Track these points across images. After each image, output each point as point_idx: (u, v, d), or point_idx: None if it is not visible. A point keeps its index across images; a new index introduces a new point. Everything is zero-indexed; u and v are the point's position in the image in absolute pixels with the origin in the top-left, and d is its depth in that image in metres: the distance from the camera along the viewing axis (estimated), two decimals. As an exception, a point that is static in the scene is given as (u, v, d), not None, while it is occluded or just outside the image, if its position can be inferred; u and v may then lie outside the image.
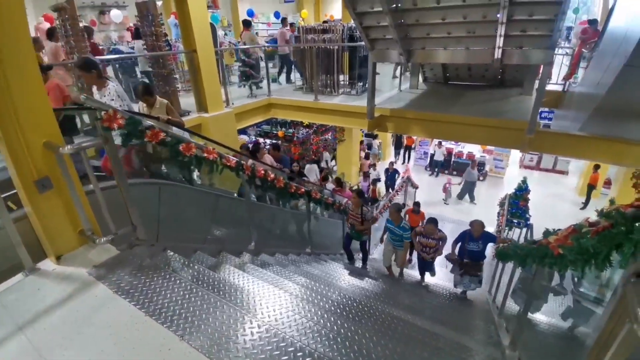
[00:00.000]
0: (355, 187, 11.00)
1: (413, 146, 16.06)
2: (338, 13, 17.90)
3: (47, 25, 9.05)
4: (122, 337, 1.70)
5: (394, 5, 4.87)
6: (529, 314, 2.76)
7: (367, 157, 14.19)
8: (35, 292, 2.02)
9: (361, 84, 7.89)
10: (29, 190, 2.07)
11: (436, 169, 14.68)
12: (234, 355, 1.60)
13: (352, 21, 5.69)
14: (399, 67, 8.29)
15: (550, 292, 3.34)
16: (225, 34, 13.91)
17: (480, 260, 4.83)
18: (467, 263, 4.80)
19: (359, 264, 5.74)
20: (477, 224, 4.66)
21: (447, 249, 5.26)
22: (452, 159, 14.60)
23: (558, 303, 4.66)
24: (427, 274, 5.79)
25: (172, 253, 2.58)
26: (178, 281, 2.08)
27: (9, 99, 1.91)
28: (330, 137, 13.86)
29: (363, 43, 6.41)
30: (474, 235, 4.66)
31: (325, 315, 2.25)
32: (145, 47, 6.01)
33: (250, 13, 15.95)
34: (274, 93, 8.06)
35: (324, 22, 10.71)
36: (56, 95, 4.32)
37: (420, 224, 6.60)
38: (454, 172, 14.47)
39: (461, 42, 5.23)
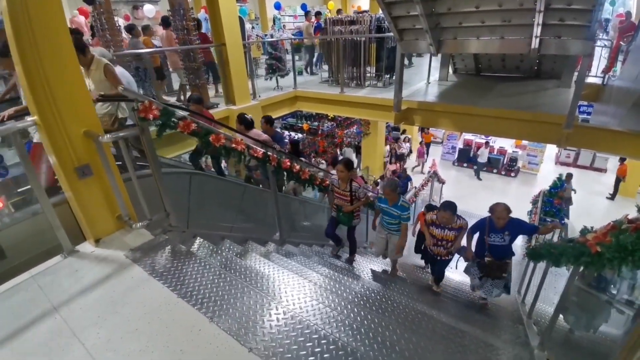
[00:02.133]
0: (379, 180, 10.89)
1: (438, 142, 15.66)
2: (365, 4, 17.59)
3: (82, 18, 9.45)
4: (156, 317, 1.79)
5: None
6: (590, 331, 2.63)
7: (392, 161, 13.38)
8: (73, 273, 2.16)
9: (388, 76, 7.75)
10: (70, 177, 2.21)
11: (479, 172, 13.60)
12: (260, 338, 1.65)
13: (380, 12, 5.58)
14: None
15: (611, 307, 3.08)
16: (253, 27, 14.03)
17: (506, 258, 3.73)
18: (488, 262, 3.73)
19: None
20: (500, 208, 3.50)
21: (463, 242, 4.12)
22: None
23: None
24: (451, 274, 4.69)
25: (201, 240, 2.68)
26: (208, 266, 2.16)
27: (47, 90, 2.03)
28: (355, 131, 13.76)
29: (391, 34, 6.28)
30: (497, 224, 3.55)
31: (349, 306, 2.27)
32: (176, 40, 6.19)
33: (278, 6, 16.00)
34: (300, 86, 8.09)
35: (359, 12, 10.55)
36: None
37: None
38: (484, 169, 14.00)
39: (495, 32, 5.01)
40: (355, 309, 2.25)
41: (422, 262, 5.45)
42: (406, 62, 10.58)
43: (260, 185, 4.98)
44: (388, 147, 14.04)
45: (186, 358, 1.58)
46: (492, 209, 3.60)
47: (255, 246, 3.46)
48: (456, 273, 5.13)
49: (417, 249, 5.60)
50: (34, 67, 1.97)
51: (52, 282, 2.09)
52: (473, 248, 3.86)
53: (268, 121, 5.15)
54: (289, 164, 3.60)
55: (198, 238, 2.69)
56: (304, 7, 16.29)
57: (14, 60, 2.02)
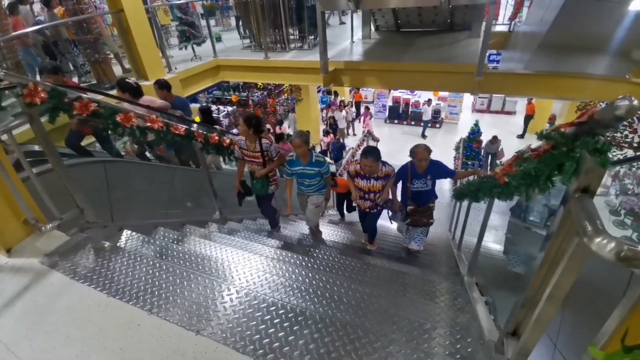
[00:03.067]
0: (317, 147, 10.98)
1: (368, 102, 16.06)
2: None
3: None
4: (86, 320, 1.64)
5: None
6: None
7: (326, 133, 12.07)
8: None
9: (312, 37, 7.57)
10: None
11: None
12: (215, 323, 1.61)
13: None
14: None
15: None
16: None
17: (429, 202, 3.58)
18: (413, 210, 3.53)
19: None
20: (421, 149, 3.31)
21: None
22: (410, 109, 14.87)
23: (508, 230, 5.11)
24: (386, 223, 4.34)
25: (129, 232, 2.46)
26: (139, 258, 2.01)
27: None
28: (287, 98, 13.48)
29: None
30: (419, 168, 3.38)
31: (297, 271, 2.31)
32: (66, 12, 5.26)
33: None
34: (220, 53, 7.53)
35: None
36: None
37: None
38: (412, 123, 14.83)
39: (409, -15, 5.10)
40: (303, 272, 2.30)
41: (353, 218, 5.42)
42: (339, 20, 10.40)
43: (170, 163, 4.47)
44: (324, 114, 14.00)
45: (129, 355, 1.48)
46: (413, 151, 3.36)
47: (194, 229, 3.30)
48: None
49: (338, 206, 5.62)
50: None
51: None
52: (399, 198, 3.68)
53: (163, 86, 4.42)
54: (194, 132, 3.13)
55: (125, 230, 2.46)
56: None
57: None
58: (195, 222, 3.50)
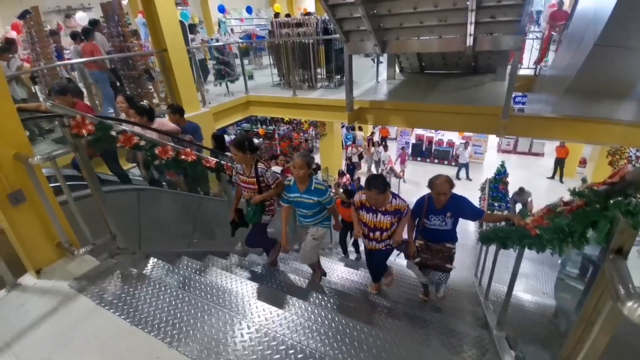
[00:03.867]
0: (341, 186, 11.04)
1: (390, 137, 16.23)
2: (311, 6, 17.76)
3: (14, 34, 8.53)
4: (109, 348, 1.65)
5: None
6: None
7: (341, 174, 11.28)
8: (19, 307, 1.95)
9: (339, 76, 7.88)
10: (3, 205, 1.98)
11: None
12: (224, 358, 1.59)
13: (326, 14, 5.66)
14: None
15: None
16: (199, 31, 13.58)
17: (446, 241, 3.03)
18: (423, 246, 3.05)
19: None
20: (441, 181, 2.80)
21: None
22: (433, 147, 14.86)
23: (543, 281, 4.83)
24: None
25: (155, 260, 2.52)
26: (163, 288, 2.03)
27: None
28: (312, 133, 13.84)
29: (338, 35, 6.39)
30: (437, 203, 2.88)
31: (316, 311, 2.26)
32: (112, 48, 5.79)
33: (221, 9, 15.61)
34: (251, 90, 7.95)
35: (305, 14, 10.56)
36: None
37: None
38: (435, 160, 14.76)
39: (434, 31, 5.29)
40: (323, 313, 2.25)
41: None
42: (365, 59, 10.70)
43: (178, 189, 4.33)
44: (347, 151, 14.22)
45: (145, 390, 1.47)
46: (432, 182, 2.86)
47: (215, 260, 3.34)
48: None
49: (341, 240, 5.14)
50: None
51: (0, 317, 1.86)
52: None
53: (176, 111, 4.38)
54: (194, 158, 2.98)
55: (152, 258, 2.52)
56: (249, 9, 16.07)
57: None
58: (217, 252, 3.54)
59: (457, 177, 13.44)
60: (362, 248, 5.20)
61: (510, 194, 10.11)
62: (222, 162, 3.47)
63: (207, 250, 3.49)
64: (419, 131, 15.11)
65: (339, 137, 13.26)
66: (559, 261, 4.14)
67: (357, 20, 5.30)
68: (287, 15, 10.11)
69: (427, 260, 3.07)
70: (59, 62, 5.67)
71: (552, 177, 12.76)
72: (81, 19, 9.62)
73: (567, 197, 1.38)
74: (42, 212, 2.14)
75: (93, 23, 6.17)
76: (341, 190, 6.31)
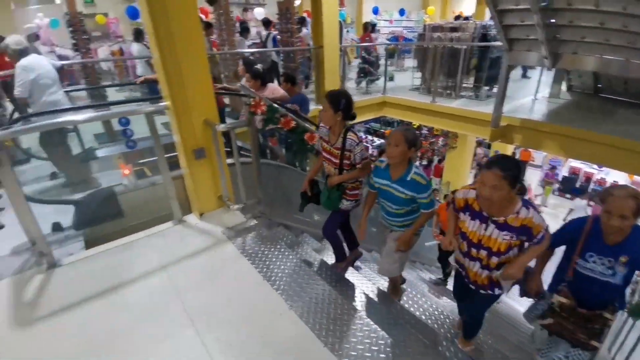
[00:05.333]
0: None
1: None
2: (468, 9, 16.60)
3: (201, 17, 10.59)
4: (244, 294, 1.97)
5: (544, 3, 4.29)
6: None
7: None
8: (180, 239, 2.50)
9: (487, 88, 7.20)
10: (188, 157, 2.55)
11: None
12: (334, 337, 1.70)
13: (487, 19, 5.22)
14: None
15: None
16: (347, 31, 14.31)
17: (609, 303, 1.92)
18: (566, 306, 1.95)
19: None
20: (622, 194, 1.72)
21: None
22: (590, 186, 12.22)
23: None
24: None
25: (283, 229, 2.85)
26: (290, 256, 2.29)
27: (180, 81, 2.37)
28: (440, 143, 13.12)
29: (496, 43, 5.82)
30: (608, 233, 1.80)
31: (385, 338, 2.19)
32: (280, 41, 6.65)
33: (375, 10, 16.04)
34: (389, 91, 7.99)
35: (456, 18, 10.07)
36: None
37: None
38: (591, 203, 12.11)
39: (620, 52, 4.34)
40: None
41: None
42: (521, 74, 9.62)
43: (278, 160, 4.25)
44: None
45: (269, 336, 1.70)
46: (607, 193, 1.79)
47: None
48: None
49: (441, 258, 4.02)
50: (171, 60, 2.30)
51: (163, 244, 2.45)
52: (549, 277, 2.08)
53: (288, 79, 4.35)
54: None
55: (281, 227, 2.87)
56: (401, 12, 16.06)
57: (152, 53, 2.38)
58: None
59: None
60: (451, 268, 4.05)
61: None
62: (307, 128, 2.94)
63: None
64: (574, 163, 12.61)
65: (470, 153, 12.17)
66: None
67: (528, 28, 4.73)
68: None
69: (564, 330, 2.00)
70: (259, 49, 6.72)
71: None
72: (259, 13, 11.28)
73: None
74: (215, 169, 2.67)
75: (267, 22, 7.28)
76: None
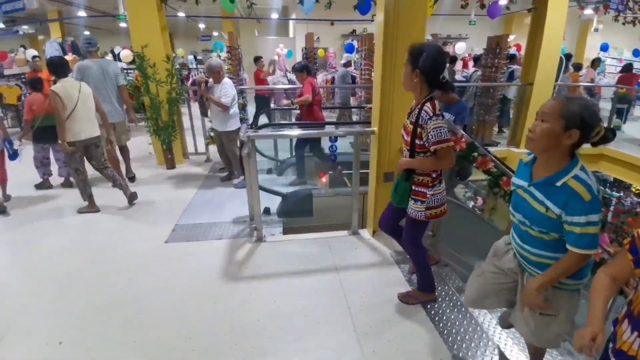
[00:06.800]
0: None
1: None
2: None
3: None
4: (404, 320, 1.97)
5: None
6: None
7: None
8: (353, 248, 2.76)
9: None
10: (379, 178, 2.77)
11: None
12: None
13: None
14: None
15: None
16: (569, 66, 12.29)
17: None
18: None
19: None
20: None
21: None
22: None
23: None
24: None
25: (451, 270, 2.69)
26: (459, 303, 2.15)
27: (390, 111, 2.59)
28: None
29: None
30: None
31: None
32: (481, 76, 6.33)
33: (605, 47, 13.22)
34: (611, 143, 6.32)
35: None
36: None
37: None
38: None
39: None
40: None
41: None
42: None
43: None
44: None
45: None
46: None
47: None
48: None
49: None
50: (389, 88, 2.55)
51: (338, 248, 2.75)
52: None
53: (448, 87, 3.66)
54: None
55: (448, 267, 2.72)
56: (636, 52, 12.71)
57: (375, 79, 2.68)
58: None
59: None
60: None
61: None
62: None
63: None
64: None
65: None
66: None
67: None
68: None
69: None
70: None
71: None
72: (460, 48, 11.09)
73: None
74: (388, 192, 2.79)
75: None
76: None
